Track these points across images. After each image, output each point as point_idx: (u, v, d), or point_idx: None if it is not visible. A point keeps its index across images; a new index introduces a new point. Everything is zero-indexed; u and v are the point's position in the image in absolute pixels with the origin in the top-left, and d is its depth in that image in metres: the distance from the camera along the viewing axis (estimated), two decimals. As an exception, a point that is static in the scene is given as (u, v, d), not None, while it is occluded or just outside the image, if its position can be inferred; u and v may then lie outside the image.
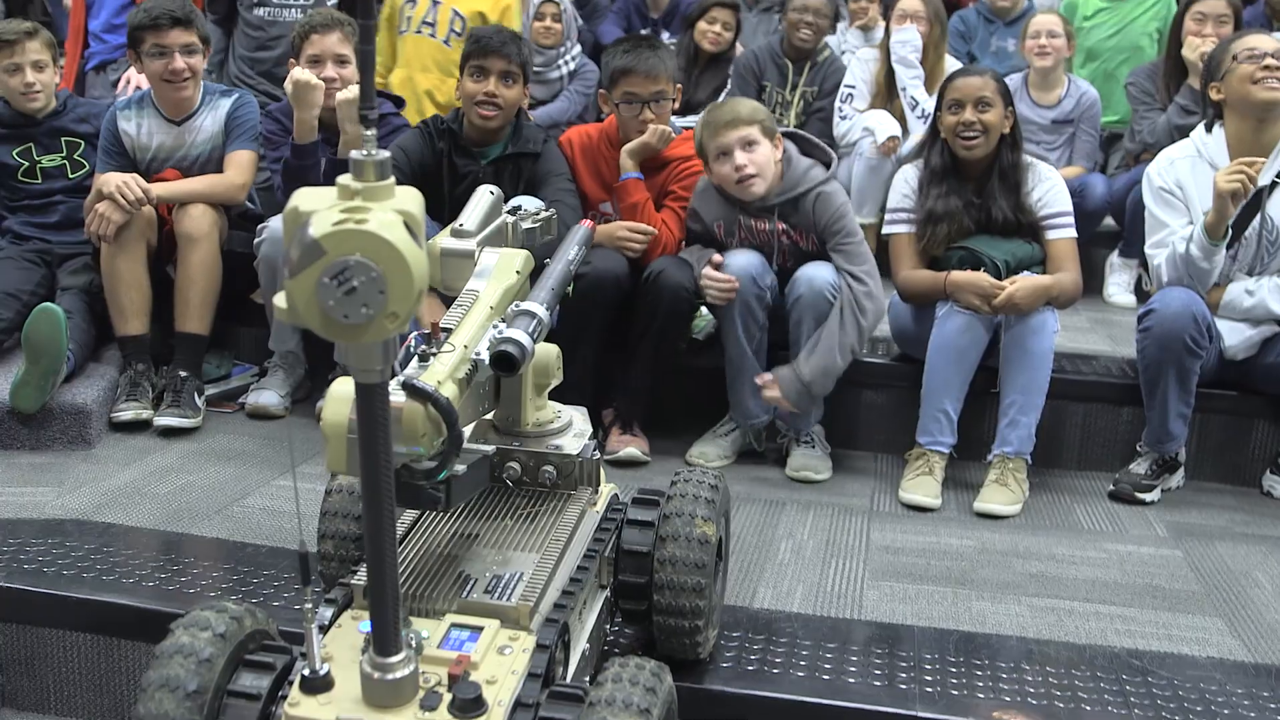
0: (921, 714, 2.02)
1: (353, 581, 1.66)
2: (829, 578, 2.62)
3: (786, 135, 3.29)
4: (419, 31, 4.58)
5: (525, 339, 1.66)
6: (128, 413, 3.36)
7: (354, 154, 1.16)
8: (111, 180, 3.38)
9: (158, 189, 3.47)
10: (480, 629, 1.56)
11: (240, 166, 3.64)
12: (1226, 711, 2.06)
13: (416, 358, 1.57)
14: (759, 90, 4.92)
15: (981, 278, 3.14)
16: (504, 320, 1.73)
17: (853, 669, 2.15)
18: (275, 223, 3.43)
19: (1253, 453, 3.35)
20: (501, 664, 1.52)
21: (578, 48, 5.08)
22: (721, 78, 5.09)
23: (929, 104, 4.35)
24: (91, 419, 3.28)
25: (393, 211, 1.15)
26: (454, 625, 1.57)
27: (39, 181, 3.76)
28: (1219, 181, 3.04)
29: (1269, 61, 3.11)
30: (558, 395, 2.03)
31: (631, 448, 3.26)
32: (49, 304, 3.28)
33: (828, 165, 3.26)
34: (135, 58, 3.67)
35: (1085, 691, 2.11)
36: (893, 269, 3.34)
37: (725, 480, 2.10)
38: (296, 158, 3.44)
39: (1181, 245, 3.13)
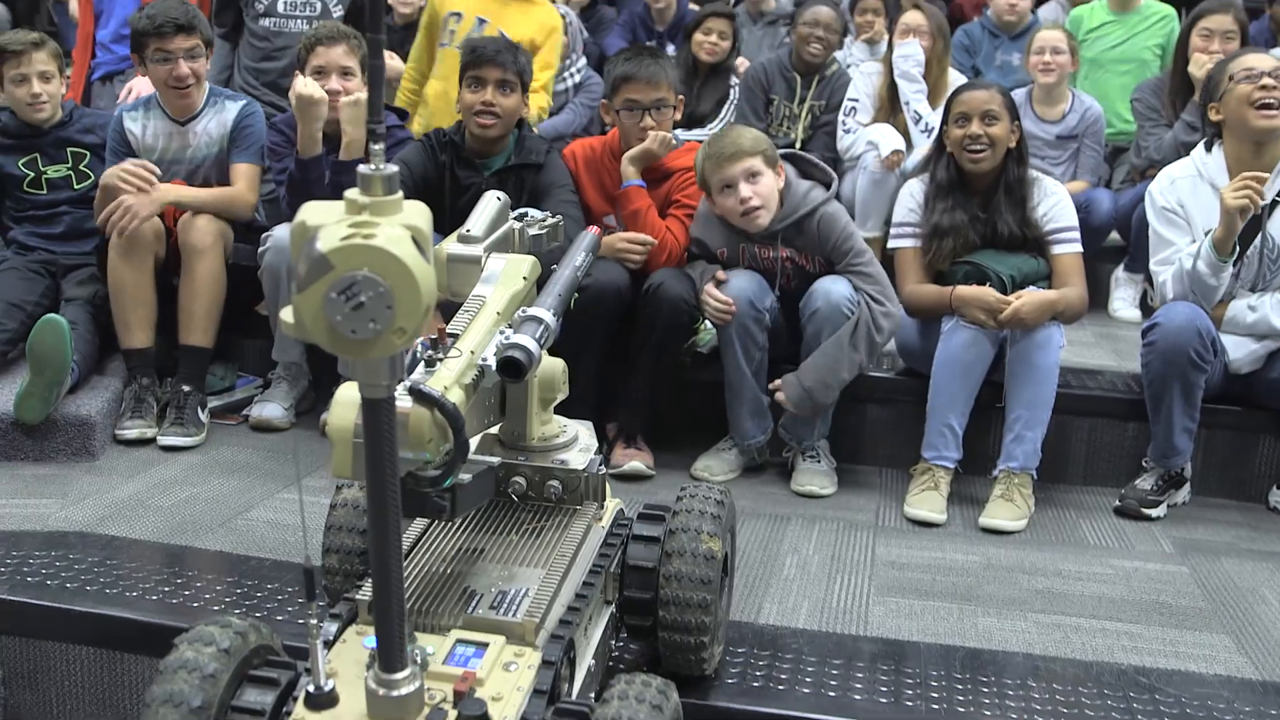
0: (928, 731, 2.01)
1: (358, 596, 1.66)
2: (834, 593, 2.61)
3: (785, 157, 3.29)
4: (460, 48, 4.57)
5: (532, 345, 1.66)
6: (132, 431, 3.36)
7: (362, 168, 1.16)
8: (111, 174, 3.40)
9: (170, 190, 3.49)
10: (486, 645, 1.55)
11: (247, 180, 3.66)
12: (1234, 730, 2.06)
13: (423, 363, 1.56)
14: (766, 103, 4.93)
15: (987, 292, 3.13)
16: (511, 326, 1.73)
17: (858, 685, 2.14)
18: (279, 232, 3.44)
19: (1258, 468, 3.35)
20: (507, 680, 1.51)
21: (583, 60, 5.08)
22: (723, 89, 5.09)
23: (932, 118, 4.36)
24: (95, 431, 3.28)
25: (400, 226, 1.14)
26: (459, 641, 1.56)
27: (44, 192, 3.76)
28: (1226, 197, 3.03)
29: (1266, 81, 3.10)
30: (562, 409, 2.02)
31: (636, 461, 3.26)
32: (53, 315, 3.28)
33: (828, 186, 3.26)
34: (139, 61, 3.70)
35: (1092, 709, 2.10)
36: (898, 283, 3.33)
37: (731, 495, 2.09)
38: (301, 171, 3.44)
39: (1188, 262, 3.13)
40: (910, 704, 2.08)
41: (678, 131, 3.59)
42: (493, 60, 3.35)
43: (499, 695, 1.48)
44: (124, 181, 3.38)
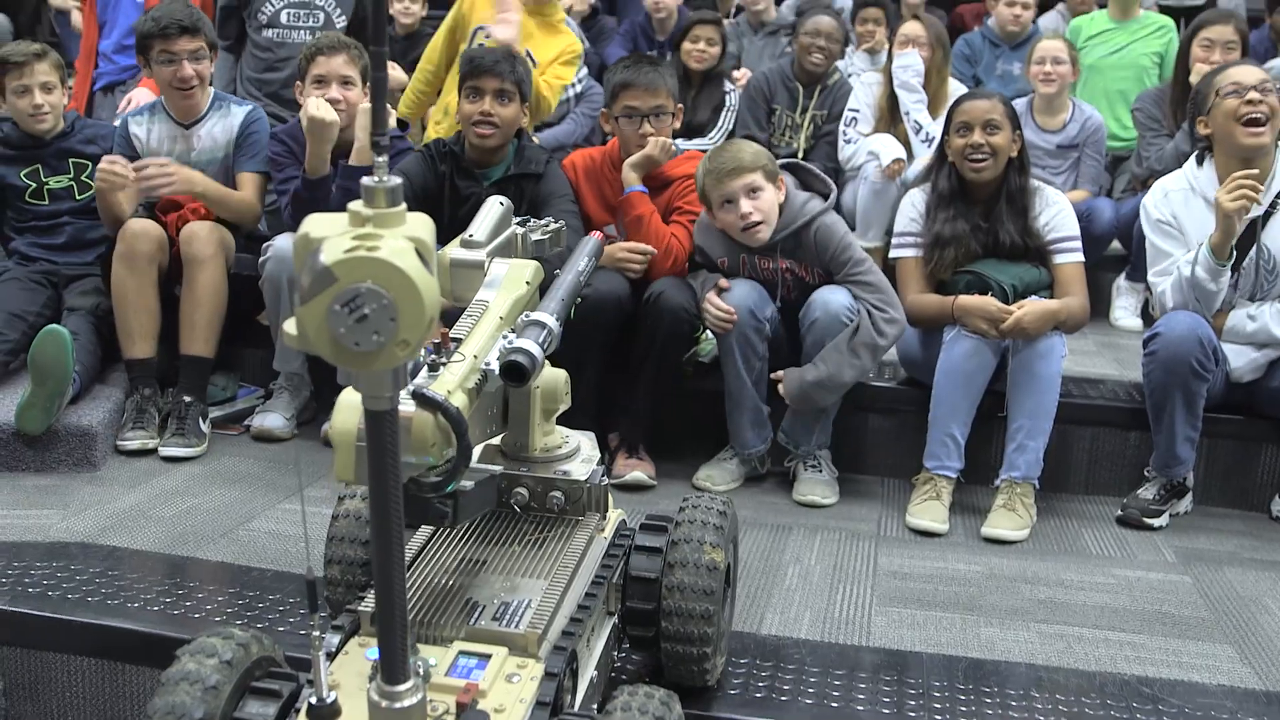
0: (931, 742, 2.01)
1: (360, 608, 1.65)
2: (836, 603, 2.60)
3: (784, 167, 3.30)
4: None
5: (535, 349, 1.65)
6: (134, 442, 3.35)
7: (365, 180, 1.16)
8: (96, 178, 3.47)
9: (196, 176, 3.54)
10: (488, 656, 1.55)
11: (254, 190, 3.69)
12: (1238, 741, 2.05)
13: (426, 367, 1.56)
14: (769, 113, 4.93)
15: (989, 302, 3.13)
16: (514, 330, 1.73)
17: (861, 696, 2.13)
18: (279, 241, 3.45)
19: (1261, 477, 3.34)
20: (509, 692, 1.51)
21: (584, 70, 5.09)
22: (718, 96, 5.08)
23: (933, 128, 4.37)
24: (97, 441, 3.28)
25: (404, 239, 1.14)
26: (462, 653, 1.56)
27: (46, 203, 3.77)
28: (1222, 200, 3.03)
29: (1252, 95, 3.10)
30: (563, 419, 2.02)
31: (638, 472, 3.25)
32: (55, 325, 3.28)
33: (826, 196, 3.26)
34: (144, 63, 3.72)
35: (1095, 719, 2.10)
36: (900, 293, 3.33)
37: (733, 506, 2.09)
38: (307, 190, 3.44)
39: (1187, 269, 3.13)
40: (913, 715, 2.07)
41: (678, 141, 3.59)
42: (490, 70, 3.35)
43: (501, 707, 1.47)
44: (104, 179, 3.41)
